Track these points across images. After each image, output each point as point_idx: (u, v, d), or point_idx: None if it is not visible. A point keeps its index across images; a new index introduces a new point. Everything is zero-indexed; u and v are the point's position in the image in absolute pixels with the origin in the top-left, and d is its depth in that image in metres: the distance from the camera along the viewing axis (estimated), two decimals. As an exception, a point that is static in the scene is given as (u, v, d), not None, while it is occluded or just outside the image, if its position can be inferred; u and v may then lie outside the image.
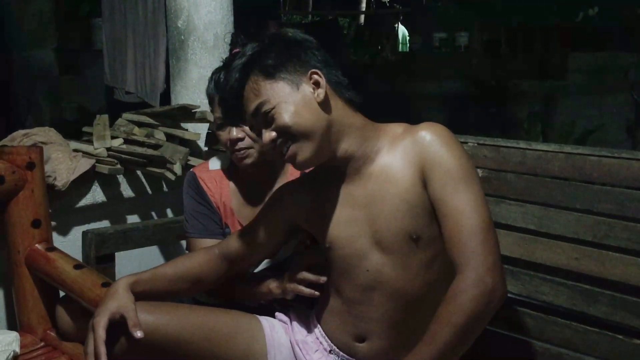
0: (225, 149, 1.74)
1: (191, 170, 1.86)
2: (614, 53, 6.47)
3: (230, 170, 1.83)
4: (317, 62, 1.37)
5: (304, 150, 1.35)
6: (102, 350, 1.33)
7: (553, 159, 1.57)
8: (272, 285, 1.61)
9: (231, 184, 1.81)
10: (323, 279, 1.49)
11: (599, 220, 1.48)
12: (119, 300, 1.41)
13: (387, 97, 6.66)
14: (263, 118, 1.36)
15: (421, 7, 9.68)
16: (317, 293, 1.51)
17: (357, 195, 1.40)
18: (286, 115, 1.33)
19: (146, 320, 1.39)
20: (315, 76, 1.35)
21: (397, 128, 1.41)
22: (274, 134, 1.35)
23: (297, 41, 1.39)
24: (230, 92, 1.41)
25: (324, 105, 1.35)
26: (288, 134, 1.34)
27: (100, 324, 1.36)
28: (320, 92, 1.35)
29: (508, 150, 1.64)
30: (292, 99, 1.34)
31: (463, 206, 1.29)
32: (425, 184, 1.33)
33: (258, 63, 1.36)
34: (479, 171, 1.67)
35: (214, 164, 1.85)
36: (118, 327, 1.38)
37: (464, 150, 1.36)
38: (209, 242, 1.74)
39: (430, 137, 1.34)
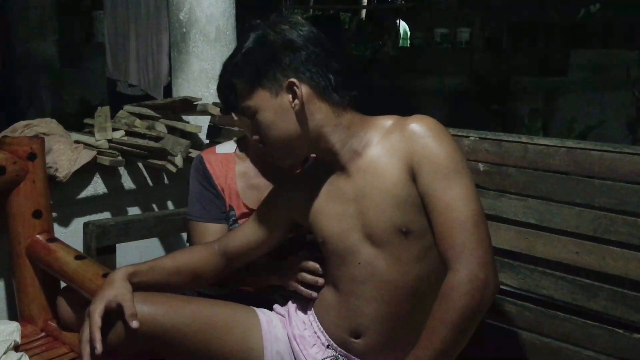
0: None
1: (199, 154, 1.88)
2: (616, 50, 6.46)
3: (238, 153, 1.84)
4: (301, 66, 1.35)
5: (281, 156, 1.44)
6: (98, 336, 1.33)
7: (554, 153, 1.56)
8: (271, 274, 1.65)
9: (238, 167, 1.82)
10: (321, 281, 1.52)
11: (600, 214, 1.48)
12: (116, 289, 1.41)
13: (387, 93, 6.66)
14: (249, 117, 1.44)
15: (422, 2, 9.66)
16: (314, 294, 1.53)
17: (347, 190, 1.41)
18: (263, 124, 1.40)
19: (142, 310, 1.39)
20: (293, 87, 1.35)
21: (386, 121, 1.41)
22: (256, 136, 1.44)
23: (282, 44, 1.36)
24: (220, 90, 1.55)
25: (302, 114, 1.37)
26: (265, 141, 1.42)
27: (97, 310, 1.37)
28: (297, 102, 1.36)
29: (509, 144, 1.64)
30: (271, 106, 1.38)
31: (453, 200, 1.29)
32: (414, 178, 1.33)
33: (242, 68, 1.38)
34: (480, 165, 1.67)
35: (222, 147, 1.87)
36: (114, 315, 1.39)
37: (454, 143, 1.34)
38: (209, 226, 1.76)
39: (419, 130, 1.33)
